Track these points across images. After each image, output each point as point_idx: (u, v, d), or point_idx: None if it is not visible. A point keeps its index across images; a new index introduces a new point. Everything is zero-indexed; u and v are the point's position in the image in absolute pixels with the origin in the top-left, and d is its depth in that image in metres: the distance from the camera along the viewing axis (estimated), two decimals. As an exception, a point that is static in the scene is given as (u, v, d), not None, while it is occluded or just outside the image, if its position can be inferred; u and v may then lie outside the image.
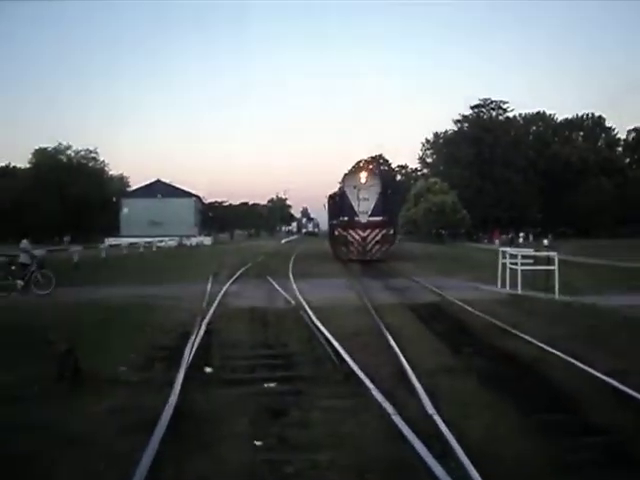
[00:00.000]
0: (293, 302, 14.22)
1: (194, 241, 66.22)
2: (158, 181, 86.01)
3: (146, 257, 39.46)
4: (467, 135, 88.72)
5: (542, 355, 8.55)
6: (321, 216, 71.14)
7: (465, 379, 7.35)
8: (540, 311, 13.11)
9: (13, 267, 18.00)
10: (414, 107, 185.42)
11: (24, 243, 18.43)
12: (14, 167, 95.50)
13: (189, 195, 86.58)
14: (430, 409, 5.80)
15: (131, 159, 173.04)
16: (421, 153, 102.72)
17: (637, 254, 31.60)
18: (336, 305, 13.68)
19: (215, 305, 13.72)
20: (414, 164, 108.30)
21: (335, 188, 39.36)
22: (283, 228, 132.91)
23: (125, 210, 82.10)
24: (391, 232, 31.30)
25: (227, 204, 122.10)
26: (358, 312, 12.72)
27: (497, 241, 61.17)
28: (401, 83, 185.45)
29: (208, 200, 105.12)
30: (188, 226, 79.15)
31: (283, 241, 75.39)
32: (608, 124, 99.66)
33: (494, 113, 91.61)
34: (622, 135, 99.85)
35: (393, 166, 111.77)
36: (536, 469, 4.80)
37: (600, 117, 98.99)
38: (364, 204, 30.13)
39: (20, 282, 17.41)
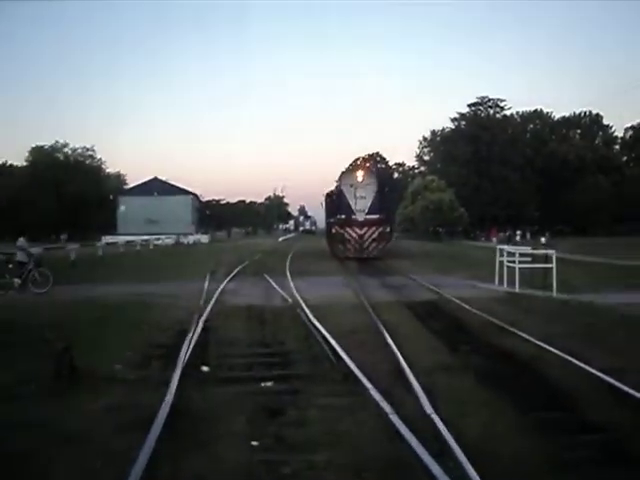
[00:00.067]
0: (290, 300, 14.20)
1: (191, 239, 66.15)
2: (155, 179, 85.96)
3: (143, 255, 39.40)
4: (464, 133, 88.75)
5: (539, 353, 8.54)
6: (318, 214, 71.27)
7: (463, 377, 7.33)
8: (538, 309, 13.11)
9: (10, 265, 17.94)
10: (411, 105, 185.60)
11: (21, 241, 18.38)
12: (11, 165, 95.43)
13: (186, 193, 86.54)
14: (428, 408, 5.78)
15: (128, 157, 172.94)
16: (418, 151, 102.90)
17: (634, 252, 31.62)
18: (333, 303, 13.67)
19: (212, 303, 13.70)
20: (411, 162, 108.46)
21: (332, 186, 39.34)
22: (280, 226, 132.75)
23: (122, 208, 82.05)
24: (388, 230, 31.62)
25: (224, 202, 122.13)
26: (355, 310, 12.70)
27: (494, 239, 61.19)
28: (399, 82, 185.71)
29: (205, 198, 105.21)
30: (185, 224, 79.12)
31: (280, 239, 75.34)
32: (605, 122, 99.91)
33: (491, 111, 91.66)
34: (619, 133, 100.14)
35: (390, 164, 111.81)
36: (534, 467, 4.79)
37: (597, 115, 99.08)
38: (361, 202, 30.35)
39: (17, 280, 17.36)
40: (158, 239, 56.35)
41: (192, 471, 4.73)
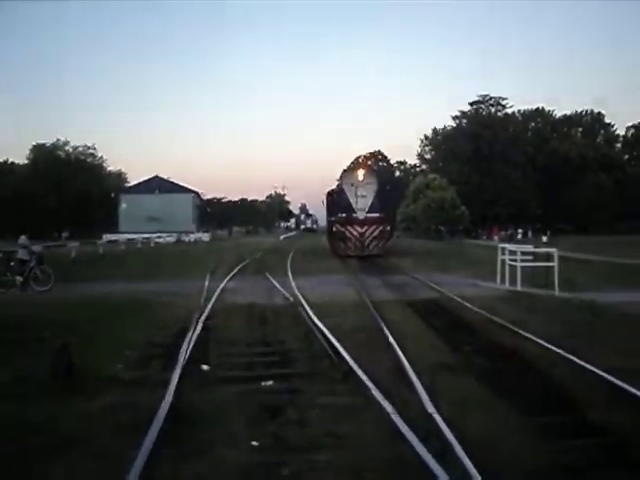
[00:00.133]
0: (291, 298, 14.15)
1: (192, 237, 66.13)
2: (156, 177, 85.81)
3: (144, 253, 39.36)
4: (466, 131, 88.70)
5: (542, 352, 8.47)
6: (320, 212, 71.08)
7: (465, 377, 7.27)
8: (540, 307, 13.04)
9: (12, 263, 17.92)
10: (413, 103, 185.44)
11: (22, 239, 18.36)
12: (12, 163, 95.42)
13: (187, 191, 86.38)
14: (430, 407, 5.72)
15: (129, 155, 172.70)
16: (420, 149, 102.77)
17: (636, 250, 31.55)
18: (335, 301, 13.62)
19: (213, 301, 13.66)
20: (413, 160, 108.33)
21: (334, 184, 39.37)
22: (281, 224, 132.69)
23: (123, 206, 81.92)
24: (388, 228, 31.94)
25: (226, 200, 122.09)
26: (357, 308, 12.65)
27: (496, 237, 61.18)
28: (400, 80, 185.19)
29: (207, 196, 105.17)
30: (186, 222, 79.02)
31: (281, 237, 75.27)
32: (607, 120, 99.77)
33: (493, 109, 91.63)
34: (621, 131, 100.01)
35: (392, 162, 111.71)
36: (537, 469, 4.72)
37: (599, 113, 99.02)
38: (362, 201, 30.66)
39: (19, 278, 17.36)
40: (159, 237, 56.31)
41: (191, 473, 4.67)
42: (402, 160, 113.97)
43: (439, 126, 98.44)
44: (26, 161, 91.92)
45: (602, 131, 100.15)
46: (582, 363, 7.57)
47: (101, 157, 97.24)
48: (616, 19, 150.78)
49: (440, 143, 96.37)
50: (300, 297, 14.04)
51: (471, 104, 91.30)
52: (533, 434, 5.38)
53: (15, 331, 10.11)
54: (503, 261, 17.26)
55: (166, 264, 27.33)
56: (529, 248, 18.71)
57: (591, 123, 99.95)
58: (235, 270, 22.10)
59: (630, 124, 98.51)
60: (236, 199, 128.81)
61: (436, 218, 72.10)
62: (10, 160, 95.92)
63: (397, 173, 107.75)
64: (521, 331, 9.82)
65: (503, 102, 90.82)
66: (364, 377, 6.80)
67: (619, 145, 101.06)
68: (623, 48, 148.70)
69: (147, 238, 51.48)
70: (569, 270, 18.30)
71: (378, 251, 30.24)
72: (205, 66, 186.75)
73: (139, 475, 4.34)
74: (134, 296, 14.75)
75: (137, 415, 5.77)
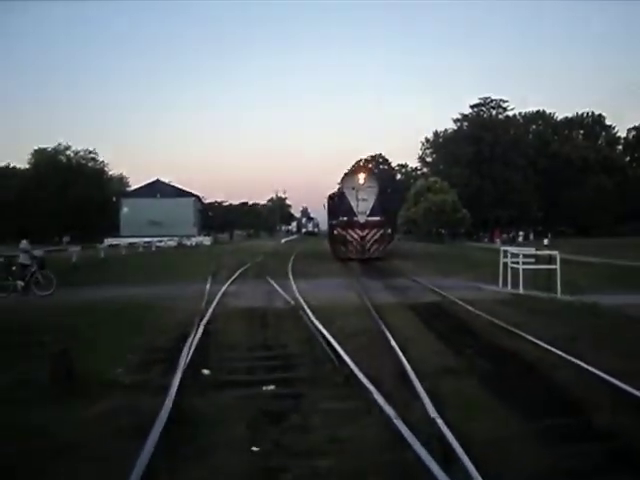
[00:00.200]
0: (292, 302, 14.11)
1: (194, 241, 66.07)
2: (157, 181, 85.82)
3: (145, 257, 39.34)
4: (467, 134, 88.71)
5: (545, 355, 8.43)
6: (321, 216, 71.06)
7: (467, 380, 7.23)
8: (542, 310, 13.00)
9: (13, 268, 17.91)
10: (414, 106, 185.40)
11: (24, 243, 18.35)
12: (14, 167, 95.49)
13: (189, 195, 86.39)
14: (432, 412, 5.67)
15: (130, 159, 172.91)
16: (421, 152, 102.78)
17: (637, 252, 31.49)
18: (336, 305, 13.57)
19: (214, 305, 13.62)
20: (414, 163, 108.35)
21: (335, 188, 39.43)
22: (283, 228, 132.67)
23: (125, 210, 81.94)
24: (389, 232, 32.20)
25: (227, 204, 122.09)
26: (358, 312, 12.60)
27: (498, 240, 61.12)
28: (401, 83, 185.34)
29: (208, 200, 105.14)
30: (188, 226, 78.98)
31: (283, 241, 75.24)
32: (608, 122, 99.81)
33: (494, 112, 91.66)
34: (622, 134, 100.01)
35: (393, 165, 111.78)
36: (540, 472, 4.69)
37: (600, 115, 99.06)
38: (362, 204, 30.79)
39: (21, 283, 17.37)
40: (160, 241, 56.24)
41: (192, 477, 4.64)
42: (403, 163, 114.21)
43: (440, 129, 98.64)
44: (27, 165, 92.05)
45: (603, 133, 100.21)
46: (585, 365, 7.53)
47: (102, 161, 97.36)
48: (617, 21, 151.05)
49: (441, 146, 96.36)
50: (301, 300, 14.00)
51: (472, 107, 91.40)
52: (536, 437, 5.34)
53: (17, 335, 10.09)
54: (505, 264, 17.22)
55: (167, 268, 27.31)
56: (531, 251, 18.65)
57: (592, 125, 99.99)
58: (236, 274, 22.06)
59: (631, 126, 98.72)
60: (237, 203, 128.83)
61: (437, 221, 72.12)
62: (11, 164, 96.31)
63: (398, 176, 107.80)
64: (523, 334, 9.78)
65: (504, 105, 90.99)
66: (365, 381, 6.75)
67: (620, 147, 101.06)
68: (625, 50, 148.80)
69: (148, 242, 51.40)
70: (571, 273, 18.26)
71: (379, 254, 30.33)
72: (207, 70, 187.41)
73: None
74: (135, 300, 14.72)
75: (137, 419, 5.73)
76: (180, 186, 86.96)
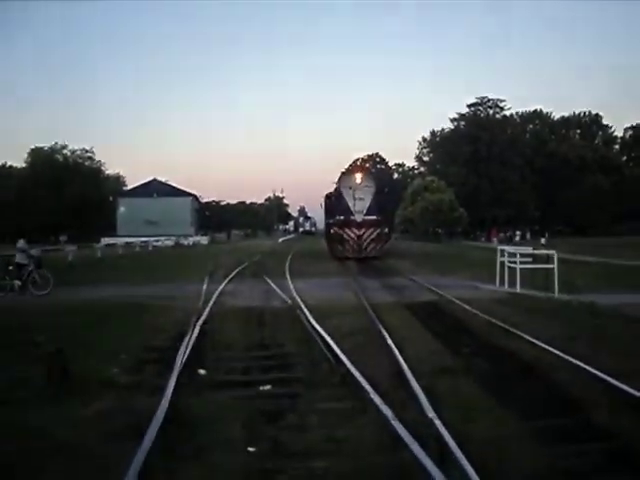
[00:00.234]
0: (290, 301, 14.08)
1: (191, 241, 65.98)
2: (154, 180, 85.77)
3: (142, 257, 39.30)
4: (464, 133, 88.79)
5: (542, 355, 8.40)
6: (318, 215, 71.04)
7: (465, 380, 7.20)
8: (539, 310, 12.98)
9: (10, 267, 17.86)
10: (412, 106, 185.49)
11: (21, 243, 18.31)
12: (10, 166, 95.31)
13: (186, 194, 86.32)
14: (430, 412, 5.64)
15: (127, 158, 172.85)
16: (418, 151, 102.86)
17: (634, 252, 31.54)
18: (333, 304, 13.54)
19: (211, 305, 13.57)
20: (411, 162, 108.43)
21: (332, 187, 39.41)
22: (280, 227, 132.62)
23: (121, 209, 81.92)
24: (386, 231, 32.28)
25: (224, 203, 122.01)
26: (356, 311, 12.57)
27: (495, 239, 61.15)
28: (399, 82, 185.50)
29: (205, 199, 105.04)
30: (185, 225, 78.97)
31: (280, 240, 75.21)
32: (605, 122, 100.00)
33: (491, 111, 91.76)
34: (619, 133, 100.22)
35: (390, 164, 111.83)
36: (537, 472, 4.67)
37: (597, 115, 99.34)
38: (359, 204, 30.88)
39: (17, 282, 17.34)
40: (157, 241, 56.15)
41: (187, 477, 4.61)
42: (400, 162, 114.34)
43: (437, 128, 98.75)
44: (24, 165, 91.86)
45: (600, 133, 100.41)
46: (582, 365, 7.51)
47: (99, 161, 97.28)
48: (615, 20, 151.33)
49: (438, 145, 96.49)
50: (298, 300, 13.96)
51: (469, 106, 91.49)
52: (534, 437, 5.32)
53: (14, 334, 10.06)
54: (502, 263, 17.21)
55: (164, 267, 27.28)
56: (528, 250, 18.65)
57: (589, 125, 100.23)
58: (233, 273, 22.03)
59: (628, 125, 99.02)
60: (234, 202, 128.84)
61: (434, 220, 72.10)
62: (8, 164, 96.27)
63: (395, 175, 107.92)
64: (521, 333, 9.75)
65: (501, 104, 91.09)
66: (362, 380, 6.72)
67: (617, 147, 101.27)
68: (622, 49, 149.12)
69: (145, 242, 51.36)
70: (568, 272, 18.24)
71: (376, 253, 30.38)
72: (204, 69, 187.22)
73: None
74: (132, 300, 14.67)
75: (133, 419, 5.69)
76: (177, 185, 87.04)
